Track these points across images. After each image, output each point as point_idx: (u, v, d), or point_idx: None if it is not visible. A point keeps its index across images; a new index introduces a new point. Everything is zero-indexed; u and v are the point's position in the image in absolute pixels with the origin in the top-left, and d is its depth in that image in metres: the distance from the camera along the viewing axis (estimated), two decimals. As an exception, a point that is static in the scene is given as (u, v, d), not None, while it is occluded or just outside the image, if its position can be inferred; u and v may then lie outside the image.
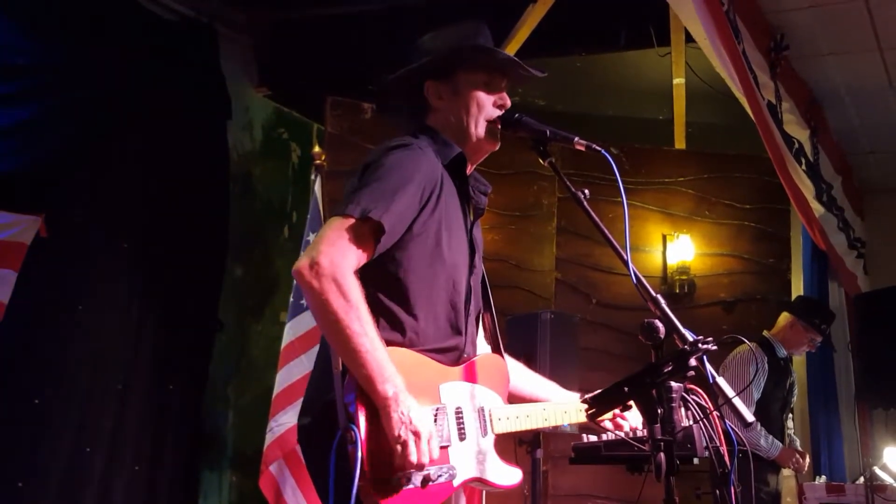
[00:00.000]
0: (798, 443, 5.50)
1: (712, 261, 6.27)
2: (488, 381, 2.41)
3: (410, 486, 2.09)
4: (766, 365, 5.16)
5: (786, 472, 5.33)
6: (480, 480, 2.32)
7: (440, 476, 2.17)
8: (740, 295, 6.19)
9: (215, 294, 5.35)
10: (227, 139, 5.43)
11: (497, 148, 2.51)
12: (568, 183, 2.36)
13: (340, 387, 2.11)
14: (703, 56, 5.12)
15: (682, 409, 2.24)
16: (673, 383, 2.09)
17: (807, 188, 5.10)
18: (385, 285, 2.24)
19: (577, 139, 2.37)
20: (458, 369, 2.34)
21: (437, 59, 2.44)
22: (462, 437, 2.26)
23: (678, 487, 2.07)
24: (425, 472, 2.11)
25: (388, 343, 2.17)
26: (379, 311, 2.21)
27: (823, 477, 5.72)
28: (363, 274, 2.17)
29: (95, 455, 4.58)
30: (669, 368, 2.08)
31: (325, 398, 2.14)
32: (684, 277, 6.12)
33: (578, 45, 5.38)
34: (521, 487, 5.00)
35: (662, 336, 2.13)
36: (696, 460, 2.76)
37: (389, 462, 2.07)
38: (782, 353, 5.32)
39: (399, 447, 2.06)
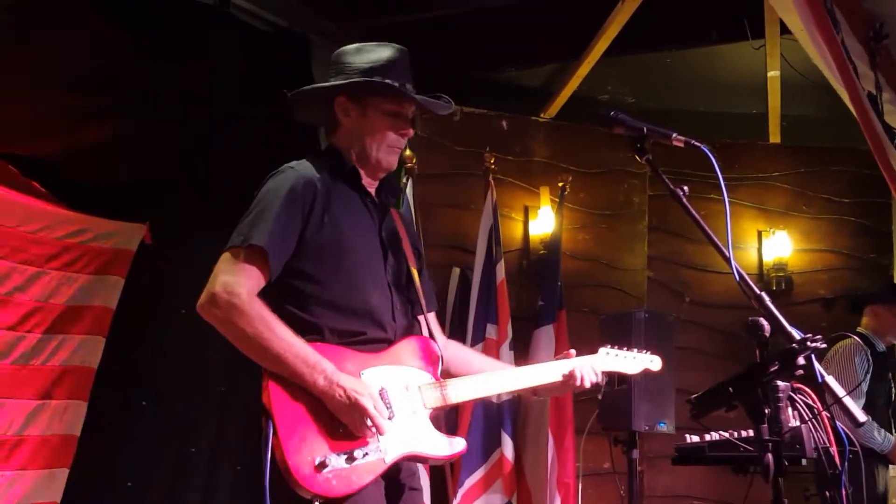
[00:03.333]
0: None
1: (810, 257, 6.13)
2: (413, 360, 2.50)
3: (335, 466, 2.22)
4: (870, 357, 5.02)
5: (892, 471, 5.15)
6: (417, 455, 2.41)
7: (367, 454, 2.27)
8: (840, 291, 6.01)
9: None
10: (320, 145, 5.52)
11: (393, 169, 2.62)
12: (666, 180, 2.35)
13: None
14: (796, 47, 5.00)
15: (790, 409, 2.20)
16: (779, 382, 2.05)
17: (910, 180, 4.92)
18: (293, 298, 2.39)
19: (675, 135, 2.35)
20: (379, 355, 2.43)
21: (350, 84, 2.53)
22: (391, 416, 2.35)
23: (785, 489, 2.03)
24: (348, 452, 2.24)
25: (307, 342, 2.31)
26: (293, 321, 2.33)
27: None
28: (271, 294, 2.33)
29: (199, 455, 4.70)
30: (776, 367, 2.04)
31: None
32: (781, 274, 6.01)
33: (669, 41, 5.30)
34: (617, 488, 4.99)
35: (768, 334, 2.09)
36: (803, 461, 2.70)
37: (310, 446, 2.22)
38: (881, 347, 5.17)
39: (352, 425, 2.26)
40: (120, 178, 4.35)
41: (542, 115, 6.04)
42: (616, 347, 2.88)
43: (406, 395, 2.43)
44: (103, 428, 4.34)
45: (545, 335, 5.31)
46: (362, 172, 2.56)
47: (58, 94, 4.02)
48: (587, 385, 2.69)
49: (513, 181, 5.80)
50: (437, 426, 2.48)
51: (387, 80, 2.50)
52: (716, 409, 2.16)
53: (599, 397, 4.73)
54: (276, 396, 2.25)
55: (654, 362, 2.94)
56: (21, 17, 3.78)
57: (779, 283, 5.98)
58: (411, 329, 2.58)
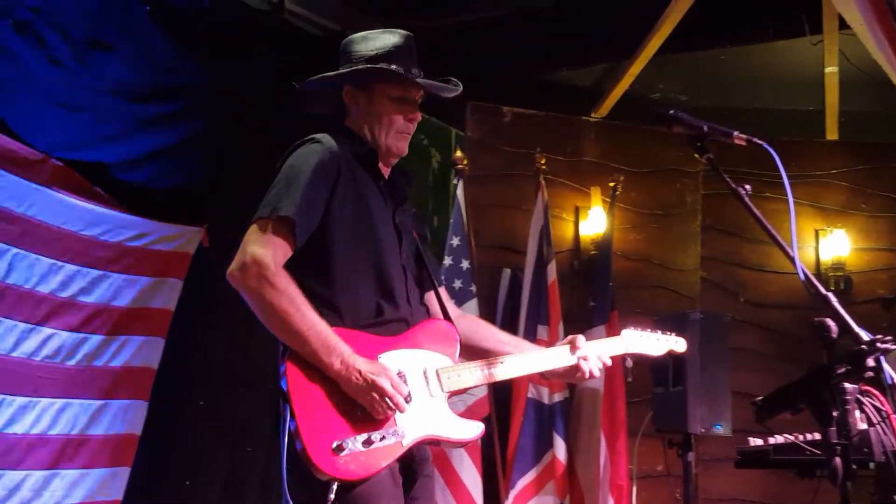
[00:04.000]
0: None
1: (869, 256, 6.01)
2: (431, 343, 2.50)
3: (353, 449, 2.23)
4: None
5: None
6: (435, 439, 2.42)
7: (384, 438, 2.29)
8: (900, 291, 5.91)
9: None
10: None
11: (405, 154, 2.62)
12: (728, 179, 2.33)
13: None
14: (855, 43, 4.91)
15: (857, 412, 2.16)
16: (847, 385, 2.02)
17: (973, 176, 4.82)
18: (314, 272, 2.39)
19: (736, 133, 2.33)
20: (397, 339, 2.44)
21: (355, 72, 2.55)
22: (408, 398, 2.35)
23: (853, 493, 2.00)
24: (365, 436, 2.25)
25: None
26: (312, 297, 2.33)
27: None
28: (293, 266, 2.33)
29: (255, 453, 4.77)
30: (844, 369, 2.01)
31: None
32: (839, 274, 5.91)
33: (725, 38, 5.25)
34: (671, 491, 4.94)
35: (835, 335, 2.06)
36: (871, 465, 2.66)
37: (327, 429, 2.23)
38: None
39: (371, 406, 2.27)
40: (179, 182, 4.42)
41: (592, 115, 6.01)
42: (640, 329, 2.87)
43: (424, 379, 2.44)
44: (163, 427, 4.42)
45: (597, 336, 5.27)
46: (378, 157, 2.58)
47: (121, 101, 4.10)
48: (596, 375, 2.68)
49: (563, 181, 5.78)
50: (454, 408, 2.48)
51: (392, 67, 2.52)
52: (782, 411, 2.14)
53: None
54: (293, 380, 2.26)
55: (679, 343, 2.92)
56: (90, 32, 3.86)
57: (837, 282, 5.88)
58: (425, 312, 2.60)
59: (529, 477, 5.04)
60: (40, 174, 3.91)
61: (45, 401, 3.95)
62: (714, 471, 5.55)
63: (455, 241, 5.17)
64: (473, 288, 5.12)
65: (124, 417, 4.26)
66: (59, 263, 4.01)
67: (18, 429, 3.85)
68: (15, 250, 3.83)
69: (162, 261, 4.42)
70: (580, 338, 2.68)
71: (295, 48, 5.04)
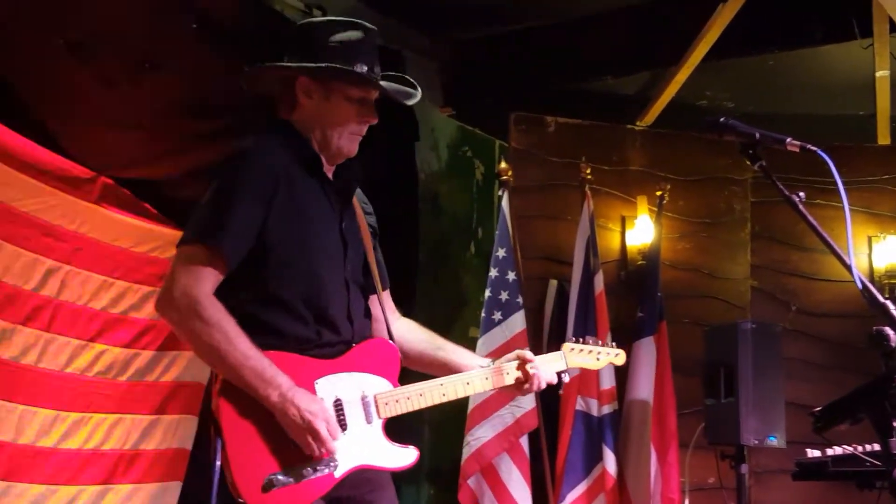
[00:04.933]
0: None
1: (926, 262, 5.89)
2: (371, 367, 2.41)
3: (284, 483, 2.18)
4: None
5: None
6: (370, 468, 2.36)
7: (318, 471, 2.23)
8: (958, 298, 5.77)
9: (408, 311, 5.47)
10: (416, 160, 5.57)
11: (354, 155, 2.49)
12: (781, 186, 2.29)
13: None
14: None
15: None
16: (907, 395, 1.98)
17: None
18: (251, 294, 2.31)
19: (789, 140, 2.30)
20: (336, 362, 2.36)
21: (318, 69, 2.38)
22: (343, 427, 2.30)
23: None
24: (298, 469, 2.20)
25: (262, 349, 2.24)
26: (250, 320, 2.26)
27: None
28: (230, 288, 2.26)
29: (304, 468, 4.78)
30: (905, 379, 1.98)
31: None
32: (894, 281, 5.79)
33: (772, 43, 5.19)
34: (723, 503, 4.85)
35: (894, 345, 2.02)
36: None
37: (258, 463, 2.18)
38: None
39: (304, 445, 2.20)
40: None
41: (638, 123, 5.97)
42: (581, 341, 2.79)
43: (361, 405, 2.37)
44: (212, 442, 4.44)
45: (645, 347, 5.23)
46: (322, 159, 2.45)
47: (173, 120, 4.15)
48: (542, 387, 2.61)
49: (609, 191, 5.74)
50: (389, 435, 2.43)
51: (355, 66, 2.37)
52: (840, 422, 2.11)
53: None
54: (225, 412, 2.21)
55: (618, 356, 2.86)
56: (140, 52, 3.92)
57: (892, 289, 5.76)
58: (368, 328, 2.53)
59: (579, 490, 5.00)
60: (91, 192, 3.98)
61: (98, 416, 4.01)
62: (768, 483, 5.46)
63: (501, 253, 5.15)
64: (520, 300, 5.10)
65: (175, 432, 4.30)
66: (111, 280, 4.06)
67: (72, 444, 3.91)
68: (67, 268, 3.89)
69: (211, 276, 4.45)
70: (527, 353, 2.62)
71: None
